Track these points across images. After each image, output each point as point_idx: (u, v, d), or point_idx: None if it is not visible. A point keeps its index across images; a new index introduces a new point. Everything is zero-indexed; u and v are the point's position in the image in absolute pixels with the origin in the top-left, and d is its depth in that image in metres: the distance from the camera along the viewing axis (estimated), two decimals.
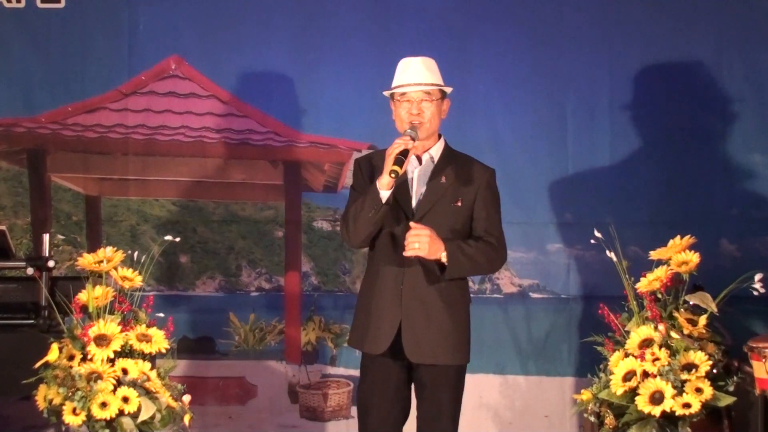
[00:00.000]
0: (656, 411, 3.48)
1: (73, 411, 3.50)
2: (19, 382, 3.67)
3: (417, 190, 3.65)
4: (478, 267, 3.67)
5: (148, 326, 3.73)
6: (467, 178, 3.66)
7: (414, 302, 3.59)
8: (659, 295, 3.73)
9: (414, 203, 3.64)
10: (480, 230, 3.64)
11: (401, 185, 3.60)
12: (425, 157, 3.69)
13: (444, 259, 3.53)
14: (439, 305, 3.61)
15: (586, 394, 3.77)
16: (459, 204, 3.64)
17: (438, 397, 3.63)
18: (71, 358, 3.60)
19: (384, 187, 3.49)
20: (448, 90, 3.70)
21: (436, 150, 3.70)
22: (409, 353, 3.59)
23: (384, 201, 3.50)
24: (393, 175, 3.44)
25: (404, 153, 3.47)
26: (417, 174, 3.67)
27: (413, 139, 3.52)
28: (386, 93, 3.72)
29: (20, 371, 3.68)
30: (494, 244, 3.64)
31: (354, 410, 4.96)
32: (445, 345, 3.61)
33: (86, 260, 3.79)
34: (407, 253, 3.50)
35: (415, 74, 3.64)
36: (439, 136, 3.73)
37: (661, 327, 3.62)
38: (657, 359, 3.55)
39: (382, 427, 3.66)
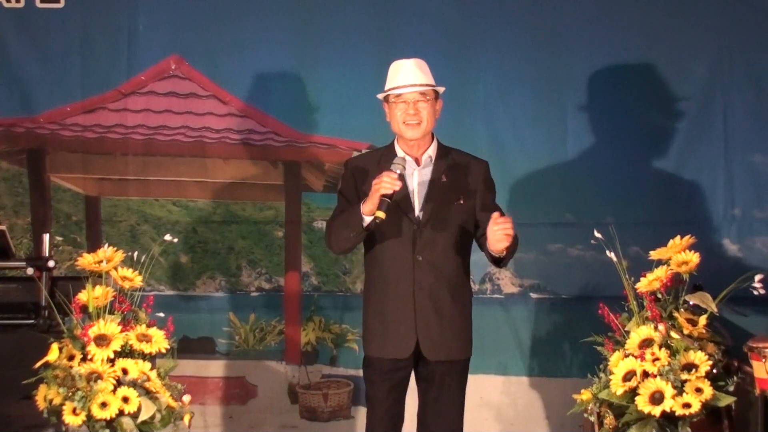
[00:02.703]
0: (656, 411, 3.48)
1: (73, 411, 3.49)
2: (19, 382, 3.66)
3: (419, 191, 3.69)
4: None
5: (148, 326, 3.72)
6: (466, 174, 3.74)
7: (428, 302, 3.66)
8: (659, 295, 3.72)
9: (417, 204, 3.68)
10: None
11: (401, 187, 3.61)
12: (424, 158, 3.73)
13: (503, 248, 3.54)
14: (450, 303, 3.70)
15: (586, 394, 3.76)
16: (462, 202, 3.70)
17: (449, 391, 3.72)
18: (71, 358, 3.60)
19: (367, 213, 3.54)
20: (441, 90, 3.74)
21: (433, 150, 3.74)
22: (427, 352, 3.66)
23: (365, 227, 3.56)
24: (377, 221, 3.50)
25: (390, 196, 3.50)
26: (417, 175, 3.70)
27: (401, 176, 3.55)
28: (380, 96, 3.74)
29: (20, 371, 3.67)
30: None
31: (354, 410, 4.98)
32: (457, 340, 3.73)
33: (86, 260, 3.78)
34: (503, 245, 3.51)
35: (409, 75, 3.67)
36: (432, 136, 3.77)
37: (661, 327, 3.61)
38: (657, 359, 3.54)
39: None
